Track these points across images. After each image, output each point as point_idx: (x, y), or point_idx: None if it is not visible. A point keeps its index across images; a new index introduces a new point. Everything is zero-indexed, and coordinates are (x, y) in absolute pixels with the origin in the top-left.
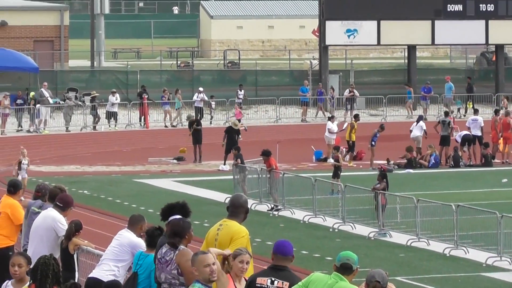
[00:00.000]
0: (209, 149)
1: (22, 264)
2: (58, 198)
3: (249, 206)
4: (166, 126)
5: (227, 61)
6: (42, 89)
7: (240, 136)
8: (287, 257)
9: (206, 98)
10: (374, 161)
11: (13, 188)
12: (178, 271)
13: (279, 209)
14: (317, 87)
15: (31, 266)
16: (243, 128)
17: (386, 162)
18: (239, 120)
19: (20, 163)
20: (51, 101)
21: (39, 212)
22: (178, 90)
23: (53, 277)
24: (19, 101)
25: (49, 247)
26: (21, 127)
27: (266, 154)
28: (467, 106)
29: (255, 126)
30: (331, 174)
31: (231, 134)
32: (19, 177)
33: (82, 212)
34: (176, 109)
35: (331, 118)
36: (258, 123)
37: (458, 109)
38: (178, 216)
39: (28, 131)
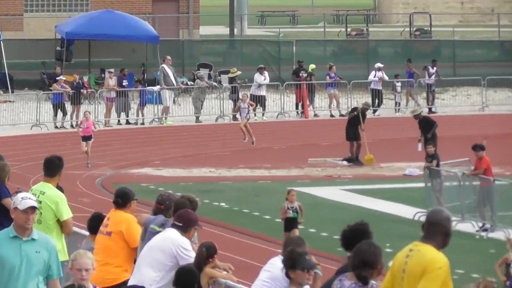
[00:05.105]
0: (392, 147)
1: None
2: (177, 215)
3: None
4: (332, 116)
5: (414, 28)
6: (164, 66)
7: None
8: None
9: (386, 78)
10: None
11: (122, 199)
12: None
13: (489, 229)
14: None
15: None
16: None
17: None
18: (90, 138)
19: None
20: (174, 82)
21: (160, 232)
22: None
23: None
24: (124, 82)
25: (161, 277)
26: (126, 116)
27: (481, 148)
28: None
29: (453, 116)
30: None
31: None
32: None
33: (217, 232)
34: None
35: None
36: (457, 112)
37: None
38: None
39: (135, 123)
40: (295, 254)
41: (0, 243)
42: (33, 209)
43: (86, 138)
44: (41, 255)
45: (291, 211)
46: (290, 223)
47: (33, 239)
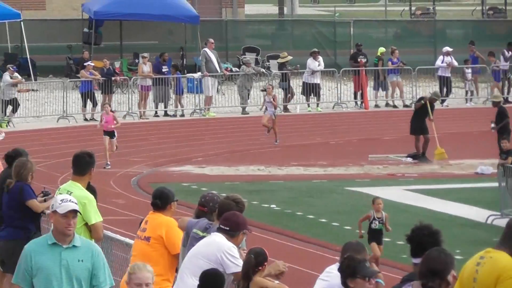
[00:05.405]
0: (463, 141)
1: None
2: (223, 217)
3: None
4: (395, 106)
5: (487, 7)
6: (206, 50)
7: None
8: None
9: (455, 63)
10: None
11: (161, 201)
12: None
13: None
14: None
15: None
16: None
17: None
18: (113, 134)
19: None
20: (218, 68)
21: (204, 237)
22: None
23: None
24: (164, 68)
25: None
26: (165, 107)
27: None
28: None
29: None
30: None
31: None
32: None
33: (267, 236)
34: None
35: None
36: None
37: None
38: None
39: (174, 115)
40: (355, 261)
41: (37, 251)
42: (74, 212)
43: (108, 133)
44: (85, 264)
45: (377, 222)
46: (374, 236)
47: (74, 246)
